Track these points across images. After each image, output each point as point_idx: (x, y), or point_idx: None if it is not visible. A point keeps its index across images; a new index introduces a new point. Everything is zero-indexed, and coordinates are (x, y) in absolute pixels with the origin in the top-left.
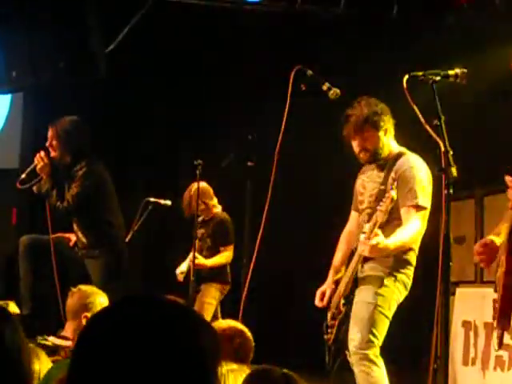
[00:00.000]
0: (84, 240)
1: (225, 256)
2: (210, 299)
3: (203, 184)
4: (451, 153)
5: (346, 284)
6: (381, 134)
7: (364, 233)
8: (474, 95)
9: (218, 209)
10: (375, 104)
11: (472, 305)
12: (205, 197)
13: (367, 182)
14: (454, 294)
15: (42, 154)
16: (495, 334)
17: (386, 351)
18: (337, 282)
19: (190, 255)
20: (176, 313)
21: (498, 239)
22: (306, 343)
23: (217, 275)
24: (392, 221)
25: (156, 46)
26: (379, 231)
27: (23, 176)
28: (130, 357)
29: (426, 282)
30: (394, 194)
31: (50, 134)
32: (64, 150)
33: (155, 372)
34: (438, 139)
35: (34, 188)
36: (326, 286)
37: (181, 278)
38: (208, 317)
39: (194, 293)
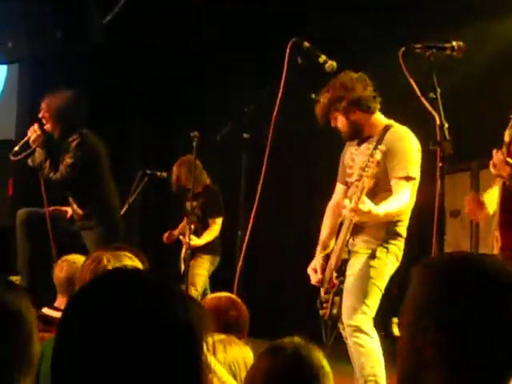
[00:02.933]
0: (79, 211)
1: (214, 230)
2: (201, 271)
3: (191, 158)
4: (446, 126)
5: (337, 256)
6: (359, 115)
7: (350, 198)
8: (471, 67)
9: (208, 181)
10: (350, 86)
11: None
12: (195, 170)
13: (356, 154)
14: None
15: (36, 126)
16: None
17: (379, 325)
18: (327, 257)
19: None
20: (158, 287)
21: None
22: (303, 315)
23: (207, 247)
24: (379, 192)
25: (154, 17)
26: (366, 198)
27: (16, 148)
28: (112, 336)
29: (420, 256)
30: (378, 156)
31: (42, 106)
32: (55, 124)
33: (141, 348)
34: (433, 112)
35: (29, 161)
36: (316, 263)
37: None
38: (200, 289)
39: (188, 266)
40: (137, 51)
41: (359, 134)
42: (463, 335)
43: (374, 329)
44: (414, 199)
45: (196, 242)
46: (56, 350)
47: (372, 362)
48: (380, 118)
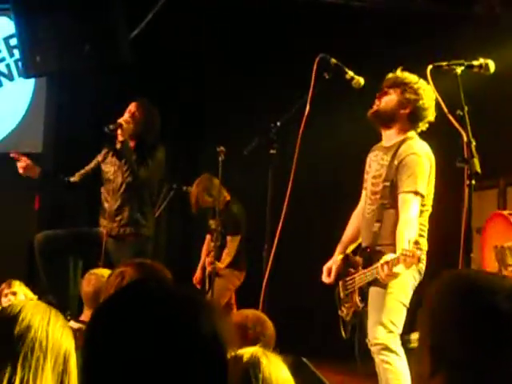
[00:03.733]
0: (119, 218)
1: (231, 249)
2: (227, 285)
3: (207, 176)
4: (474, 143)
5: (362, 281)
6: (406, 112)
7: (382, 266)
8: (498, 84)
9: (228, 197)
10: (424, 96)
11: None
12: (213, 189)
13: (373, 161)
14: None
15: (130, 119)
16: None
17: (405, 341)
18: (346, 258)
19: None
20: (183, 299)
21: None
22: (330, 331)
23: (233, 262)
24: (393, 205)
25: (180, 31)
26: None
27: (112, 127)
28: (136, 348)
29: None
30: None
31: (133, 107)
32: (140, 127)
33: (166, 361)
34: (461, 130)
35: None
36: (332, 262)
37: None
38: (224, 303)
39: (213, 281)
40: (161, 64)
41: (385, 123)
42: (459, 360)
43: (401, 346)
44: (427, 216)
45: (218, 265)
46: (83, 363)
47: (399, 379)
48: (408, 133)
